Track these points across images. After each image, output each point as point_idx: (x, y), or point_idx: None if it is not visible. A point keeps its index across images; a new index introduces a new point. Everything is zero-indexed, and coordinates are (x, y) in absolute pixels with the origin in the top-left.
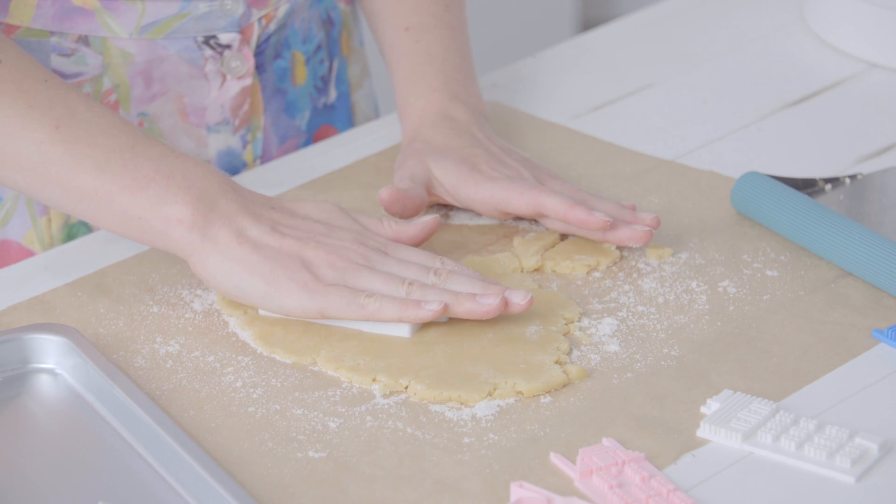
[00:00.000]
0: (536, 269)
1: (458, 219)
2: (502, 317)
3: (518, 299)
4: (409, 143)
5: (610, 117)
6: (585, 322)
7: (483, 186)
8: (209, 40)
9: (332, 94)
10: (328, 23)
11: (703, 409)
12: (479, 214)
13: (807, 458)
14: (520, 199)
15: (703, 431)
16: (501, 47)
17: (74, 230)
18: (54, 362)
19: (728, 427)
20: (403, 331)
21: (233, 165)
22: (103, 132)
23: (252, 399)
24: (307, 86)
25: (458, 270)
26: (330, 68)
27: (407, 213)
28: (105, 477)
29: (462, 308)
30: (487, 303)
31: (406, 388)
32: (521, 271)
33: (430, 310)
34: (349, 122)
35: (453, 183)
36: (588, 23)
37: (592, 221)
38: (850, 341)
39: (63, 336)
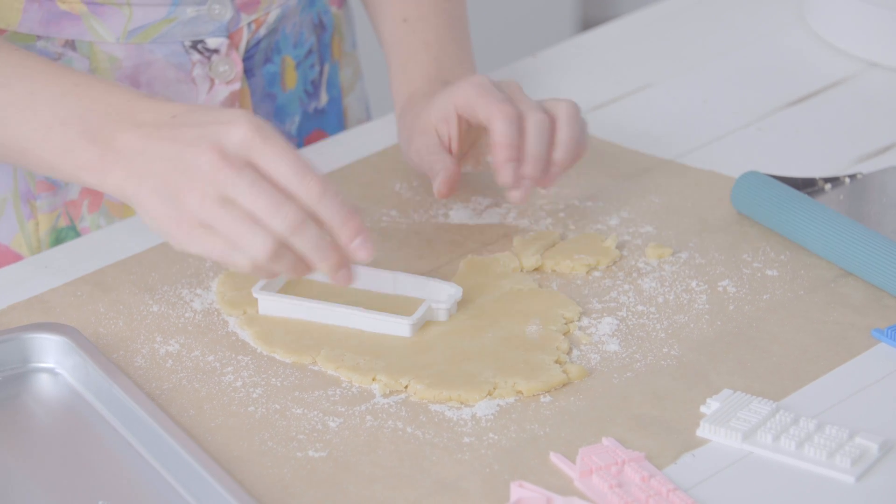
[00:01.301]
0: (536, 269)
1: (458, 218)
2: (502, 316)
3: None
4: (403, 115)
5: (610, 117)
6: (585, 321)
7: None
8: (197, 45)
9: (324, 99)
10: (320, 27)
11: (702, 409)
12: (478, 213)
13: (807, 457)
14: (484, 108)
15: (702, 431)
16: (501, 47)
17: (63, 234)
18: (54, 362)
19: (728, 426)
20: (404, 330)
21: None
22: (2, 84)
23: (252, 398)
24: (297, 90)
25: (308, 225)
26: (321, 73)
27: (456, 189)
28: (105, 477)
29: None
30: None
31: (406, 387)
32: (521, 271)
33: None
34: (340, 125)
35: (467, 99)
36: (588, 23)
37: (504, 177)
38: (849, 341)
39: (63, 335)
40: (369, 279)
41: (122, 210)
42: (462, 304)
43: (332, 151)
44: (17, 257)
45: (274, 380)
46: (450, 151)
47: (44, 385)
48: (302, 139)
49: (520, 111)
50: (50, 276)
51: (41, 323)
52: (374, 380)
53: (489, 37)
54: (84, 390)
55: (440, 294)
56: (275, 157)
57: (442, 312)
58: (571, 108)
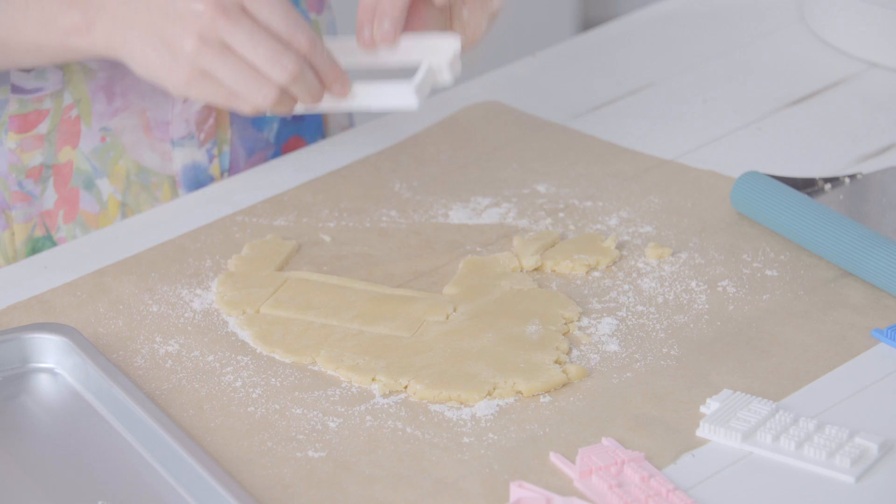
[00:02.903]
0: (536, 269)
1: (458, 218)
2: (502, 316)
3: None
4: None
5: (610, 117)
6: (585, 322)
7: None
8: None
9: None
10: None
11: (702, 409)
12: (478, 213)
13: (806, 457)
14: None
15: (702, 431)
16: (501, 47)
17: (39, 244)
18: (54, 362)
19: (728, 427)
20: (409, 99)
21: (199, 179)
22: None
23: (252, 399)
24: None
25: (306, 72)
26: None
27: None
28: (105, 477)
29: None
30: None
31: (405, 387)
32: (521, 271)
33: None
34: (319, 131)
35: None
36: (588, 23)
37: (358, 38)
38: (849, 341)
39: (63, 335)
40: (364, 55)
41: (97, 220)
42: (462, 304)
43: (337, 150)
44: None
45: (273, 380)
46: None
47: (43, 385)
48: (279, 146)
49: None
50: (50, 276)
51: (41, 323)
52: (373, 380)
53: (489, 37)
54: (84, 390)
55: (438, 49)
56: (268, 6)
57: (444, 72)
58: None
